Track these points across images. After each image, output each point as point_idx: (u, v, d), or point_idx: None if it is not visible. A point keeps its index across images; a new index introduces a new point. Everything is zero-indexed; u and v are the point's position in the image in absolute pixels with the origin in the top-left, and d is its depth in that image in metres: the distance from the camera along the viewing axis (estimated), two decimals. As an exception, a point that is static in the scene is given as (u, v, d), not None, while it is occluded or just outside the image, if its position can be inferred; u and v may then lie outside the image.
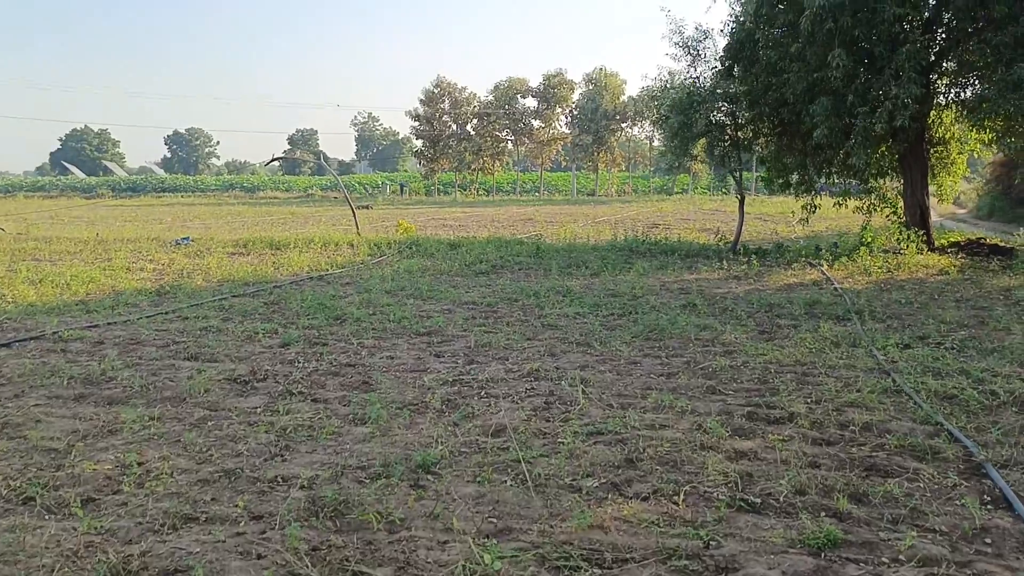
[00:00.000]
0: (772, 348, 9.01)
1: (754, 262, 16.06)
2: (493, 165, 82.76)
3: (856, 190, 20.22)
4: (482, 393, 7.35)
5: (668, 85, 18.83)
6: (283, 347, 9.34)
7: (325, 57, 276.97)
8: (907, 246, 16.11)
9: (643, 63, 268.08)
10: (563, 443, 5.91)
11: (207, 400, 7.14)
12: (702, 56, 18.06)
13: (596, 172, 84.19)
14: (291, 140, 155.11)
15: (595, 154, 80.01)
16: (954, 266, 15.16)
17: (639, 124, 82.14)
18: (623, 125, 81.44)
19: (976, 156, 19.12)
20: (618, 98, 79.62)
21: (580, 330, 10.17)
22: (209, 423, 6.49)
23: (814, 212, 19.85)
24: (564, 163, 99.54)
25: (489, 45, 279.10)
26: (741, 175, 17.86)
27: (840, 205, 20.27)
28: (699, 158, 19.61)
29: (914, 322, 10.48)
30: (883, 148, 16.81)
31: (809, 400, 6.98)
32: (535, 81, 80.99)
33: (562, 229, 28.18)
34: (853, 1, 14.15)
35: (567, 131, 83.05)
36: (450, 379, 7.84)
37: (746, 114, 16.32)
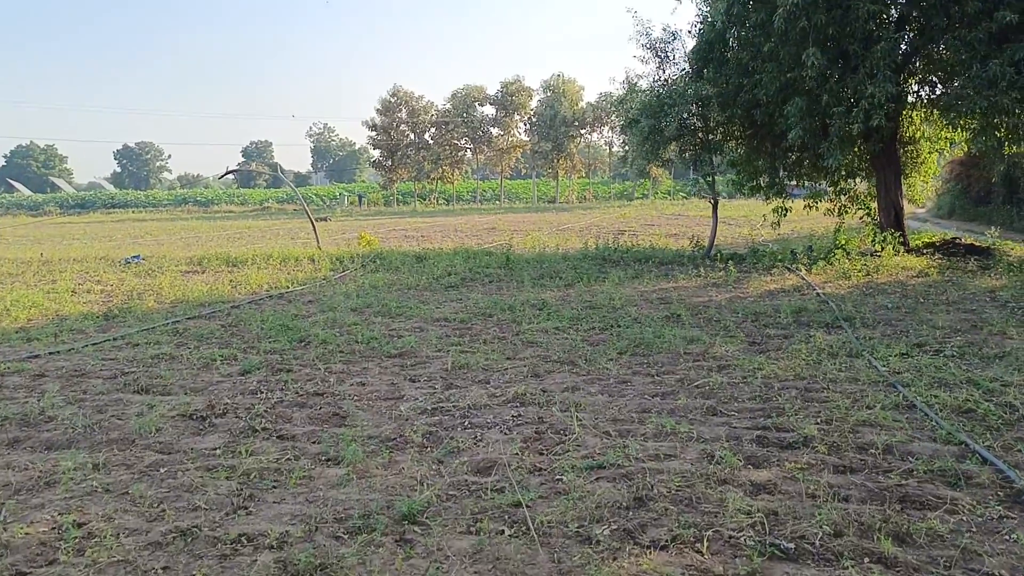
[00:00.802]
0: (767, 361, 8.52)
1: (731, 268, 15.64)
2: (452, 174, 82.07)
3: (826, 192, 20.00)
4: (466, 423, 6.72)
5: (635, 88, 18.38)
6: (243, 375, 8.61)
7: (280, 67, 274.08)
8: (884, 248, 15.82)
9: (600, 76, 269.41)
10: (563, 480, 5.31)
11: (159, 441, 6.41)
12: (671, 58, 17.69)
13: (556, 179, 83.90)
14: (245, 152, 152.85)
15: (555, 161, 79.72)
16: (933, 267, 14.89)
17: (598, 130, 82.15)
18: (582, 131, 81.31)
19: (946, 155, 18.95)
20: (577, 104, 79.48)
21: (562, 347, 9.59)
22: (161, 470, 5.77)
23: (785, 215, 19.57)
24: (524, 170, 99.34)
25: (446, 53, 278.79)
26: (714, 179, 17.46)
27: (810, 207, 20.02)
28: (670, 162, 19.02)
29: (906, 328, 10.08)
30: (855, 148, 16.52)
31: (819, 420, 6.46)
32: (493, 89, 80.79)
33: (528, 238, 27.65)
34: (826, -2, 13.87)
35: (526, 138, 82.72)
36: (429, 407, 7.19)
37: (718, 116, 15.91)
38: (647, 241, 23.58)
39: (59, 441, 6.48)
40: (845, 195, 19.52)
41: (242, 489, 5.33)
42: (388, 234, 34.04)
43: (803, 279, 14.45)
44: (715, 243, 18.93)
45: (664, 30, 17.74)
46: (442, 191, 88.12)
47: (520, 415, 6.89)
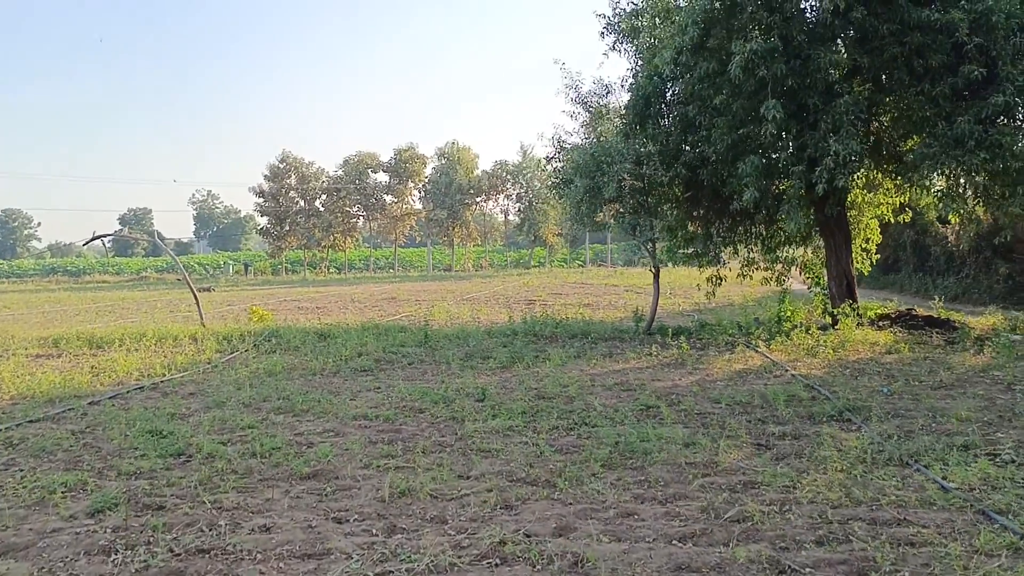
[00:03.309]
0: (796, 474, 6.67)
1: (683, 345, 13.94)
2: (344, 242, 79.41)
3: (756, 260, 18.85)
4: (434, 606, 4.48)
5: (562, 145, 16.77)
6: (93, 517, 6.07)
7: (162, 132, 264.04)
8: (842, 321, 14.50)
9: (494, 140, 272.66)
10: None
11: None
12: (604, 114, 16.23)
13: (452, 247, 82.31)
14: (123, 220, 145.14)
15: (450, 229, 78.31)
16: (901, 343, 13.58)
17: (493, 198, 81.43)
18: (478, 199, 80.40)
19: (890, 221, 18.10)
20: (472, 172, 78.71)
21: (526, 457, 7.46)
22: None
23: (720, 284, 18.23)
24: (419, 238, 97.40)
25: (337, 119, 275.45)
26: (655, 245, 15.93)
27: (745, 276, 18.79)
28: (606, 226, 17.43)
29: (925, 422, 8.48)
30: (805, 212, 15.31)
31: (937, 580, 4.58)
32: (386, 156, 79.10)
33: (436, 309, 25.49)
34: (786, 47, 12.62)
35: (420, 206, 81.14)
36: (371, 574, 4.91)
37: (661, 175, 14.43)
38: (561, 312, 21.83)
39: None
40: (779, 263, 18.43)
41: None
42: (280, 305, 31.15)
43: (768, 358, 12.87)
44: (646, 313, 17.33)
45: (596, 83, 16.31)
46: (333, 259, 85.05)
47: (511, 585, 4.71)
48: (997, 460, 6.95)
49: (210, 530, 5.71)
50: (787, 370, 11.83)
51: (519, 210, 79.43)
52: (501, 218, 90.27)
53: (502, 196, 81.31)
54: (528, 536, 5.46)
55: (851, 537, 5.29)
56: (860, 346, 13.56)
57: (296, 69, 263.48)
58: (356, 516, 5.97)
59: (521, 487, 6.59)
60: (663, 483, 6.64)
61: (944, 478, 6.42)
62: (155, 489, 6.68)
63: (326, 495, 6.49)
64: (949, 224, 26.01)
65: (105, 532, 5.71)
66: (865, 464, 6.91)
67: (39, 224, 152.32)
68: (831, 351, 13.02)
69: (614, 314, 22.90)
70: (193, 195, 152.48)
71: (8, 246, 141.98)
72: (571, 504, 6.15)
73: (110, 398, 10.91)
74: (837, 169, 12.59)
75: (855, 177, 14.48)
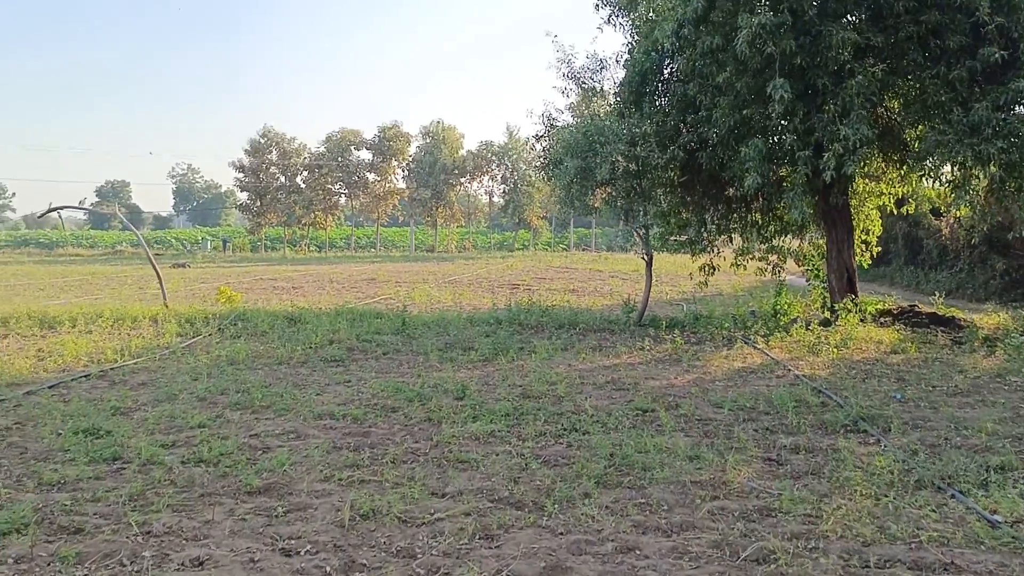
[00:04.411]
0: (814, 498, 5.85)
1: (677, 339, 13.08)
2: (326, 220, 77.93)
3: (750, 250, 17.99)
4: None
5: (552, 123, 15.79)
6: (-6, 543, 5.13)
7: (142, 105, 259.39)
8: (844, 316, 13.69)
9: (480, 121, 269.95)
10: None
11: None
12: (598, 90, 15.26)
13: (435, 228, 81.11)
14: (100, 192, 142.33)
15: (434, 209, 77.06)
16: (908, 342, 12.78)
17: (478, 179, 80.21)
18: (462, 180, 79.18)
19: (892, 212, 17.29)
20: (457, 152, 77.43)
21: (508, 470, 6.57)
22: None
23: (712, 274, 17.37)
24: (401, 218, 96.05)
25: (320, 94, 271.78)
26: (648, 231, 15.01)
27: (739, 265, 17.93)
28: (596, 211, 16.47)
29: (950, 435, 7.66)
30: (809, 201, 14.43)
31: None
32: (370, 133, 77.55)
33: (416, 292, 24.53)
34: (796, 22, 11.68)
35: (404, 185, 79.75)
36: (319, 631, 4.02)
37: (657, 158, 13.49)
38: (547, 298, 20.93)
39: None
40: (775, 254, 17.58)
41: None
42: (254, 284, 30.10)
43: (768, 355, 12.05)
44: (637, 303, 16.46)
45: (589, 58, 15.29)
46: (314, 237, 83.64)
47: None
48: (1041, 484, 6.14)
49: (130, 563, 4.78)
50: (789, 370, 11.00)
51: (504, 192, 78.27)
52: (486, 199, 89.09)
53: (487, 177, 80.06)
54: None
55: (894, 586, 4.45)
56: (864, 344, 12.76)
57: (280, 42, 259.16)
58: (308, 546, 5.05)
59: (504, 510, 5.70)
60: (667, 507, 5.77)
61: (992, 511, 5.59)
62: (76, 505, 5.73)
63: (276, 516, 5.57)
64: (943, 216, 25.32)
65: (2, 565, 4.76)
66: (895, 488, 6.07)
67: (14, 195, 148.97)
68: (834, 349, 12.19)
69: (601, 301, 22.06)
70: (173, 168, 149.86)
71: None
72: (562, 534, 5.27)
73: (50, 387, 9.91)
74: (846, 155, 11.71)
75: (863, 165, 13.60)
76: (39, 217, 23.99)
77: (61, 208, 20.17)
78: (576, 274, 36.72)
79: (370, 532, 5.30)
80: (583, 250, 77.65)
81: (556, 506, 5.75)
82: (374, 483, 6.27)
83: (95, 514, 5.59)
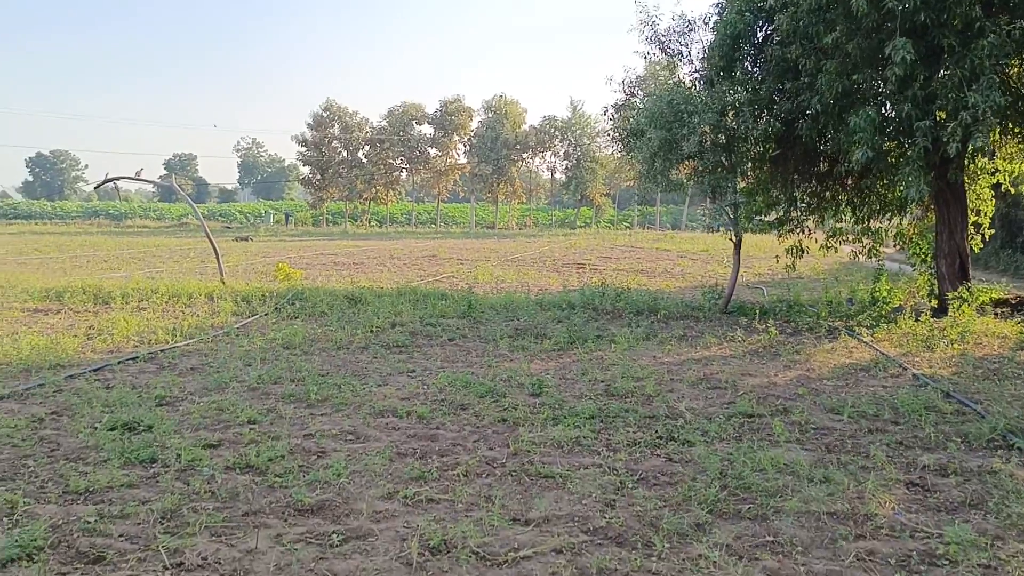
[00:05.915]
0: (983, 540, 4.75)
1: (771, 329, 11.86)
2: (387, 194, 77.72)
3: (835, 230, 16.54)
4: None
5: (634, 90, 14.55)
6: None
7: (208, 79, 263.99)
8: (957, 306, 12.29)
9: (543, 95, 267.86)
10: None
11: None
12: (685, 55, 13.97)
13: (496, 204, 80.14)
14: (168, 165, 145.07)
15: (495, 185, 76.05)
16: (1029, 336, 11.37)
17: (540, 154, 78.86)
18: (524, 155, 77.95)
19: (1009, 192, 15.68)
20: (519, 127, 76.18)
21: (600, 488, 5.57)
22: None
23: (801, 256, 16.00)
24: (462, 194, 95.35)
25: (382, 68, 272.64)
26: (738, 210, 13.71)
27: (830, 248, 16.54)
28: (680, 186, 15.17)
29: None
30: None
31: None
32: (432, 107, 76.75)
33: (479, 270, 23.60)
34: (921, -27, 10.28)
35: (465, 160, 78.86)
36: None
37: (751, 130, 12.21)
38: (615, 279, 19.79)
39: None
40: (870, 235, 16.10)
41: None
42: (315, 259, 29.56)
43: (877, 349, 10.76)
44: (720, 287, 15.22)
45: (675, 19, 13.96)
46: (375, 212, 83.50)
47: None
48: None
49: (153, 611, 3.90)
50: (904, 367, 9.72)
51: (566, 168, 76.84)
52: (547, 176, 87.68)
53: (549, 153, 78.70)
54: (624, 654, 3.56)
55: None
56: (984, 339, 11.37)
57: (341, 14, 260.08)
58: (368, 592, 4.12)
59: (602, 546, 4.69)
60: (802, 548, 4.69)
61: None
62: (100, 523, 4.90)
63: (331, 547, 4.65)
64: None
65: (3, 606, 3.93)
66: (1087, 533, 4.89)
67: (87, 166, 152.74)
68: (954, 345, 10.85)
69: (674, 283, 20.84)
70: (238, 143, 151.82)
71: (56, 187, 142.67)
72: (677, 584, 4.23)
73: (95, 370, 9.21)
74: (974, 125, 10.29)
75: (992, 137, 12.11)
76: (95, 188, 23.62)
77: (117, 179, 19.70)
78: (642, 254, 35.37)
79: (442, 573, 4.34)
80: (647, 228, 75.82)
81: (666, 544, 4.71)
82: (445, 503, 5.32)
83: (120, 536, 4.74)
